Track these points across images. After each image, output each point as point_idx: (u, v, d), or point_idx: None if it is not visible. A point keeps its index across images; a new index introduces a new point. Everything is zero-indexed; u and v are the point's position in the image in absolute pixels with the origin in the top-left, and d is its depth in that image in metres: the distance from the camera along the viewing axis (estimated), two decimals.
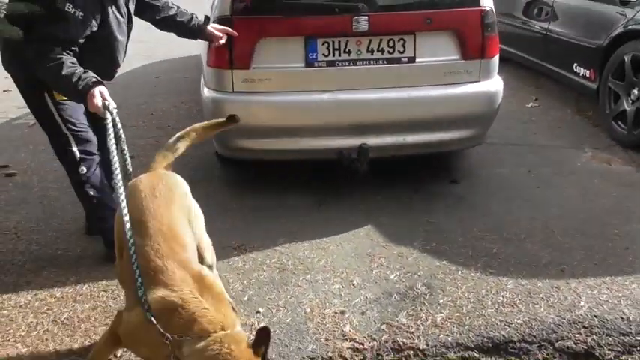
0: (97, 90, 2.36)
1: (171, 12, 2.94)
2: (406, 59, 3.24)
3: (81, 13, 2.44)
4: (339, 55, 3.20)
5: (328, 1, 3.18)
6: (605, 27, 4.38)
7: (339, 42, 3.17)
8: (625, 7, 4.21)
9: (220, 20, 3.14)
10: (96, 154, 2.80)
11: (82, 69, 2.43)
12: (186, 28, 2.99)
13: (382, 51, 3.21)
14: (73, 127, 2.71)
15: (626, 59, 4.12)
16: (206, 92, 3.35)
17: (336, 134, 3.28)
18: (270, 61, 3.16)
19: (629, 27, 4.11)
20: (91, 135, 2.78)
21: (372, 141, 3.29)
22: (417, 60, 3.24)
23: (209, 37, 3.04)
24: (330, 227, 3.20)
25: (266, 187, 3.69)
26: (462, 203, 3.46)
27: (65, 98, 2.63)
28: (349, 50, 3.20)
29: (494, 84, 3.41)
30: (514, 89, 5.65)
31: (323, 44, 3.17)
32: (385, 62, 3.23)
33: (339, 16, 3.13)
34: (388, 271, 2.82)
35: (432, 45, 3.25)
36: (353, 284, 2.73)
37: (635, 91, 4.06)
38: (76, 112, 2.72)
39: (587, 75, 4.64)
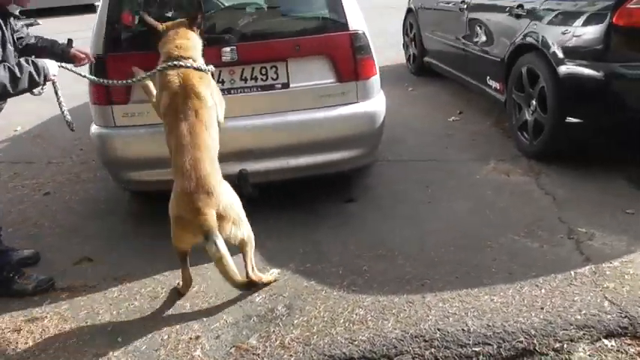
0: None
1: (33, 40, 3.15)
2: (280, 85, 3.33)
3: None
4: None
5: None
6: (507, 40, 4.47)
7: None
8: (520, 19, 4.29)
9: (97, 59, 3.25)
10: None
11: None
12: (51, 52, 3.12)
13: (255, 78, 3.31)
14: None
15: (523, 71, 4.20)
16: (92, 129, 3.45)
17: (223, 160, 3.35)
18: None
19: (524, 40, 4.18)
20: None
21: (256, 166, 3.36)
22: (291, 85, 3.33)
23: (72, 59, 3.15)
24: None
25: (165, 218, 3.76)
26: (350, 222, 3.51)
27: None
28: (222, 80, 3.29)
29: (373, 104, 3.47)
30: (442, 103, 5.77)
31: None
32: (260, 89, 3.32)
33: (208, 48, 3.23)
34: (255, 294, 2.87)
35: (305, 70, 3.34)
36: (218, 308, 2.79)
37: (534, 102, 4.12)
38: None
39: (498, 87, 4.72)
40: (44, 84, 2.81)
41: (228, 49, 3.21)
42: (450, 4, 5.68)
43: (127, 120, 3.32)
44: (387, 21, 9.26)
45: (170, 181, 3.35)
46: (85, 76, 3.10)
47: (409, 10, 7.09)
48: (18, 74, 2.68)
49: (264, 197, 3.65)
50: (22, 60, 2.75)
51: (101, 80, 3.10)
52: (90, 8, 13.95)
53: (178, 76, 2.85)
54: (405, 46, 7.35)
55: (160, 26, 3.04)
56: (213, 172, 2.72)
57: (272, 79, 3.31)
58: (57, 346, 2.63)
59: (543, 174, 3.96)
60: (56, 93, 3.01)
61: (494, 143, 4.62)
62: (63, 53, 3.14)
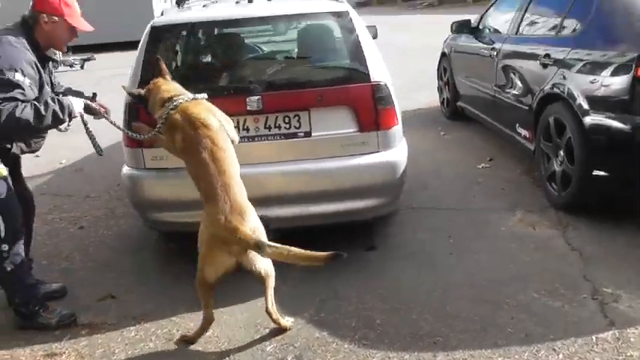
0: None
1: (62, 90, 3.34)
2: (302, 134, 3.40)
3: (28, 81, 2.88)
4: (238, 132, 3.38)
5: (225, 83, 3.41)
6: (535, 89, 4.44)
7: (238, 120, 3.37)
8: (547, 68, 4.26)
9: (129, 105, 3.41)
10: (20, 232, 3.05)
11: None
12: None
13: (279, 127, 3.39)
14: (3, 204, 2.93)
15: (550, 121, 4.16)
16: (124, 169, 3.59)
17: None
18: None
19: (552, 89, 4.15)
20: (17, 215, 3.03)
21: (277, 212, 3.42)
22: (313, 134, 3.40)
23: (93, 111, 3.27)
24: (231, 297, 3.28)
25: (191, 256, 3.84)
26: (369, 271, 3.51)
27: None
28: (247, 127, 3.39)
29: (395, 154, 3.50)
30: (473, 149, 5.73)
31: None
32: (282, 137, 3.40)
33: (234, 97, 3.35)
34: (267, 342, 2.89)
35: (327, 119, 3.41)
36: (227, 356, 2.82)
37: (561, 153, 4.06)
38: (8, 191, 2.96)
39: (527, 136, 4.67)
40: (69, 121, 3.00)
41: (253, 98, 3.31)
42: (482, 50, 5.69)
43: (155, 163, 3.44)
44: (427, 62, 9.30)
45: (195, 223, 3.47)
46: (107, 119, 3.25)
47: (443, 54, 7.14)
48: (43, 112, 2.84)
49: (284, 241, 3.71)
50: (49, 99, 2.93)
51: (115, 123, 3.25)
52: None
53: (179, 113, 2.96)
54: (440, 90, 7.37)
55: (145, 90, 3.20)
56: (243, 195, 2.87)
57: (295, 127, 3.39)
58: None
59: (571, 227, 3.87)
60: (84, 124, 3.14)
61: (523, 193, 4.55)
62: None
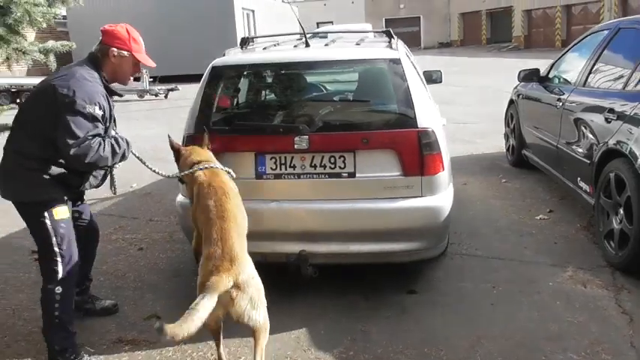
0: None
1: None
2: (346, 174, 3.48)
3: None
4: (285, 169, 3.52)
5: (276, 121, 3.57)
6: (597, 143, 4.31)
7: (285, 157, 3.51)
8: (610, 123, 4.14)
9: (187, 138, 3.64)
10: (75, 274, 3.08)
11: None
12: None
13: (324, 166, 3.49)
14: (64, 247, 2.98)
15: (611, 177, 4.02)
16: (178, 198, 3.80)
17: (283, 240, 3.54)
18: None
19: (614, 145, 4.02)
20: (77, 254, 3.07)
21: (317, 248, 3.50)
22: (357, 175, 3.48)
23: None
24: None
25: None
26: (406, 314, 3.50)
27: (63, 218, 2.99)
28: (294, 165, 3.52)
29: (438, 200, 3.50)
30: (533, 200, 5.59)
31: (271, 159, 3.53)
32: (327, 176, 3.50)
33: (283, 136, 3.49)
34: None
35: (371, 162, 3.47)
36: None
37: (621, 211, 3.91)
38: (69, 233, 3.03)
39: (588, 190, 4.52)
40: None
41: (301, 137, 3.44)
42: (548, 100, 5.59)
43: None
44: (501, 107, 9.17)
45: None
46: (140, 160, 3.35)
47: (511, 101, 7.05)
48: (117, 149, 2.98)
49: (325, 278, 3.78)
50: (118, 137, 3.07)
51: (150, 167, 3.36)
52: None
53: (205, 174, 3.12)
54: (506, 137, 7.25)
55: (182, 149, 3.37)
56: (241, 247, 2.78)
57: (340, 167, 3.48)
58: None
59: (625, 290, 3.68)
60: (137, 157, 3.27)
61: (578, 249, 4.38)
62: None
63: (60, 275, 2.98)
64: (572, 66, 5.47)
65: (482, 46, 32.96)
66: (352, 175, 3.48)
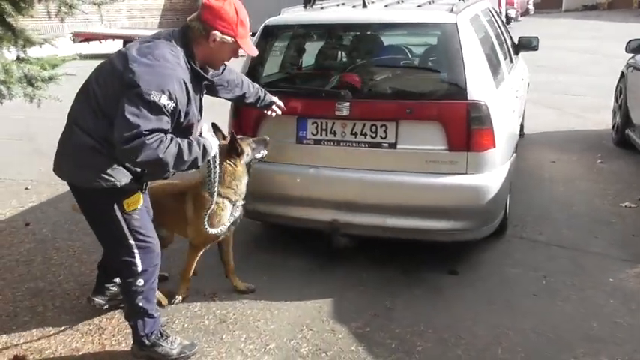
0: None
1: (240, 92, 3.13)
2: (387, 145, 3.34)
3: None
4: (326, 135, 3.45)
5: (320, 86, 3.48)
6: None
7: (326, 123, 3.44)
8: None
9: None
10: (158, 263, 2.78)
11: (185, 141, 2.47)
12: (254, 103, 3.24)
13: (365, 135, 3.37)
14: (141, 238, 2.65)
15: None
16: None
17: (318, 207, 3.50)
18: (269, 136, 3.45)
19: None
20: (156, 245, 2.74)
21: (352, 218, 3.43)
22: (398, 146, 3.32)
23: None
24: (296, 293, 3.39)
25: (282, 246, 4.03)
26: (439, 295, 3.35)
27: (136, 208, 2.61)
28: (334, 131, 3.43)
29: (485, 178, 3.26)
30: (625, 185, 5.14)
31: (312, 124, 3.47)
32: (367, 146, 3.38)
33: (325, 101, 3.41)
34: (304, 344, 2.95)
35: (415, 133, 3.30)
36: (264, 349, 2.93)
37: None
38: (145, 222, 2.68)
39: None
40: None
41: (344, 104, 3.34)
42: None
43: None
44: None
45: (271, 216, 3.60)
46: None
47: (622, 74, 6.32)
48: (185, 156, 2.43)
49: (365, 249, 3.72)
50: (195, 142, 2.51)
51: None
52: None
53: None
54: (613, 113, 6.55)
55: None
56: None
57: (381, 137, 3.35)
58: None
59: None
60: (211, 171, 2.85)
61: None
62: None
63: (139, 268, 2.67)
64: None
65: (633, 10, 29.58)
66: (393, 146, 3.33)
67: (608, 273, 3.54)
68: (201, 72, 2.57)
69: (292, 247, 3.98)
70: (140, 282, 2.69)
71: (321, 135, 3.47)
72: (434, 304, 3.27)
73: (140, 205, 2.63)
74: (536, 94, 9.26)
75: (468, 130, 3.21)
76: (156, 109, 2.31)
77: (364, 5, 3.74)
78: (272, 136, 3.38)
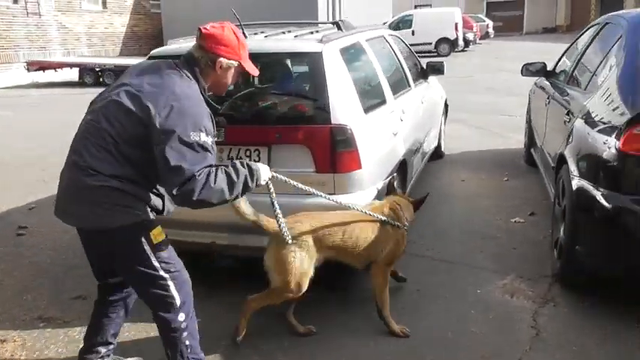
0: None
1: None
2: None
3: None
4: None
5: None
6: (556, 146, 4.03)
7: None
8: (567, 125, 3.85)
9: None
10: (191, 292, 2.64)
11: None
12: None
13: (240, 159, 3.54)
14: (173, 269, 2.53)
15: (559, 184, 3.76)
16: None
17: (198, 230, 3.63)
18: None
19: (562, 150, 3.75)
20: (186, 273, 2.62)
21: (232, 240, 3.58)
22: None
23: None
24: None
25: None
26: (303, 308, 3.50)
27: (162, 238, 2.51)
28: None
29: (351, 199, 3.44)
30: (521, 201, 5.39)
31: None
32: None
33: None
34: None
35: (286, 156, 3.47)
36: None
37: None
38: (171, 252, 2.57)
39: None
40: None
41: (218, 130, 3.45)
42: (541, 96, 5.26)
43: None
44: None
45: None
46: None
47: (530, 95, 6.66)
48: (235, 178, 2.40)
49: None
50: (237, 162, 2.50)
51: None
52: None
53: None
54: (525, 133, 6.88)
55: None
56: None
57: (254, 161, 3.50)
58: None
59: (551, 303, 3.47)
60: (272, 202, 2.89)
61: (532, 257, 4.13)
62: None
63: (178, 301, 2.54)
64: (565, 62, 5.11)
65: None
66: None
67: (480, 285, 3.75)
68: (212, 102, 2.57)
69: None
70: (181, 317, 2.55)
71: None
72: (302, 316, 3.39)
73: (162, 238, 2.51)
74: (468, 115, 9.62)
75: (332, 153, 3.41)
76: (199, 148, 2.29)
77: (244, 36, 3.94)
78: None
